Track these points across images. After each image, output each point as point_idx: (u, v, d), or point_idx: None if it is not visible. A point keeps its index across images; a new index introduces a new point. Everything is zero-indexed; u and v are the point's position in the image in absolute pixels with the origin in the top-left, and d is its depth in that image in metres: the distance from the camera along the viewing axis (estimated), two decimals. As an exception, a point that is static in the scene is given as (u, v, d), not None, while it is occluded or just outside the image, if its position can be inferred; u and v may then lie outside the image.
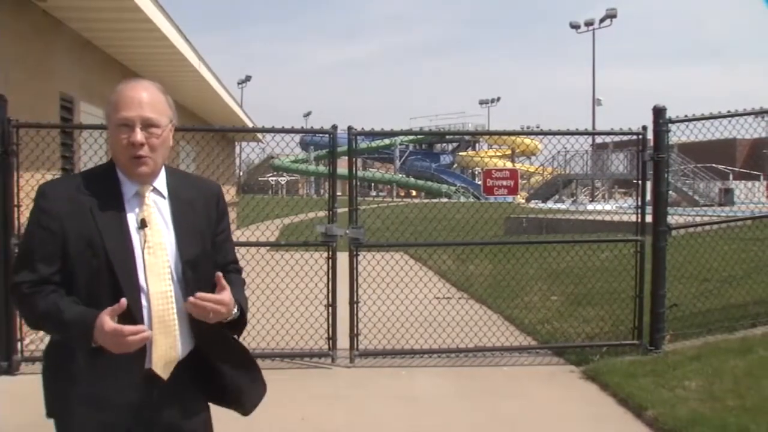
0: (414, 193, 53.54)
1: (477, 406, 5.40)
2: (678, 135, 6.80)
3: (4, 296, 5.91)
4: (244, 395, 2.37)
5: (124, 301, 2.04)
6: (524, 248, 9.03)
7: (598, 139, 40.45)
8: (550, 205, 27.79)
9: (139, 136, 2.16)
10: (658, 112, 6.52)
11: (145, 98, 2.19)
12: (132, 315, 2.09)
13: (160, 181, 2.27)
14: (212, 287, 2.20)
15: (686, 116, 6.65)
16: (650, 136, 6.60)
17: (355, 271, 6.52)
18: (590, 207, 24.52)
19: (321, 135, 6.77)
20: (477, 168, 52.32)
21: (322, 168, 46.81)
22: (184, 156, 13.84)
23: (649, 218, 6.63)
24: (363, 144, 49.62)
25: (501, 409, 5.34)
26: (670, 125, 6.52)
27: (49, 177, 6.86)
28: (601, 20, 46.68)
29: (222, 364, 2.30)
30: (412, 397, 5.61)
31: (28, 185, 6.28)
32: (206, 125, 16.81)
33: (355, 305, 6.49)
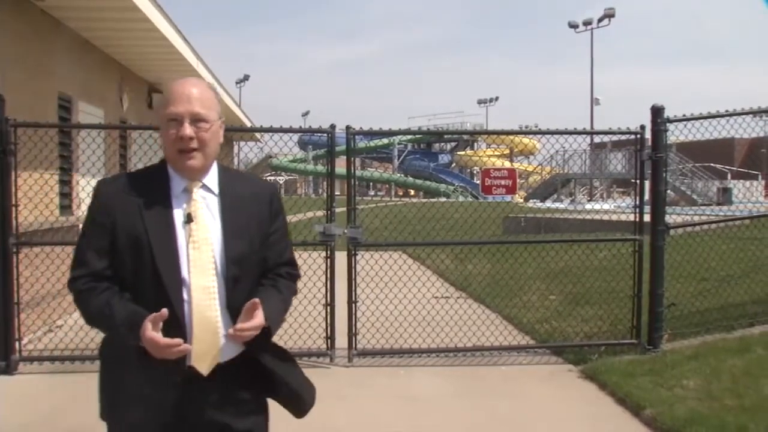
0: (412, 192, 53.52)
1: (475, 406, 5.40)
2: (676, 134, 6.81)
3: (2, 296, 5.91)
4: (298, 396, 2.41)
5: (165, 311, 2.06)
6: (522, 248, 9.04)
7: (597, 139, 40.44)
8: (548, 204, 27.80)
9: (188, 130, 2.18)
10: (656, 112, 6.52)
11: (195, 94, 2.22)
12: (173, 309, 2.11)
13: (211, 178, 2.29)
14: (254, 286, 2.26)
15: (684, 115, 6.65)
16: (648, 135, 6.59)
17: (353, 271, 6.51)
18: (588, 206, 24.53)
19: (319, 134, 6.76)
20: (475, 167, 52.30)
21: (320, 167, 46.82)
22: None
23: (647, 217, 6.63)
24: (361, 143, 49.85)
25: (499, 408, 5.34)
26: (668, 125, 6.52)
27: (47, 177, 6.88)
28: (600, 20, 46.69)
29: (270, 364, 2.29)
30: (411, 397, 5.60)
31: (26, 185, 6.29)
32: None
33: (353, 305, 6.49)
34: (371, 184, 58.09)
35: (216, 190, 2.28)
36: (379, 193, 55.75)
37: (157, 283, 2.13)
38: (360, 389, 5.77)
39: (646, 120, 6.58)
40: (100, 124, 8.56)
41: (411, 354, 6.55)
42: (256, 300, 2.16)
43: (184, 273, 2.15)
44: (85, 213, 2.27)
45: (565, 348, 6.68)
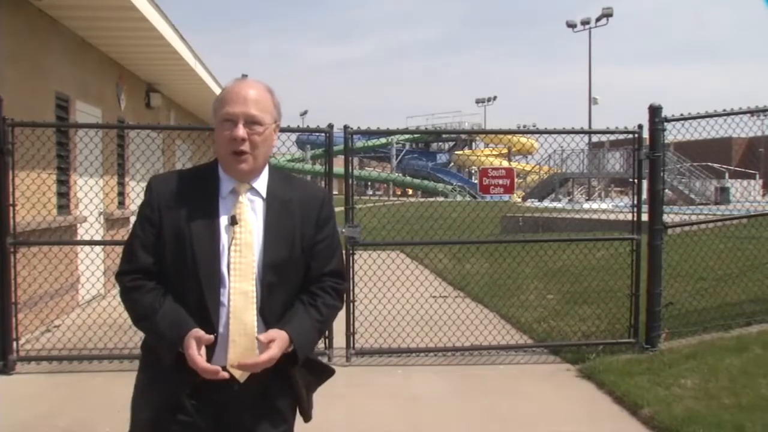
0: (410, 192, 53.50)
1: (473, 405, 5.40)
2: (674, 134, 6.80)
3: (0, 296, 5.91)
4: (311, 406, 2.42)
5: (212, 337, 2.07)
6: (520, 247, 9.05)
7: (594, 138, 40.46)
8: (546, 203, 27.78)
9: (241, 131, 2.16)
10: (654, 111, 6.53)
11: (251, 95, 2.20)
12: (209, 311, 2.11)
13: (261, 181, 2.26)
14: (292, 295, 2.24)
15: (682, 115, 6.65)
16: (646, 134, 6.60)
17: (351, 270, 6.51)
18: (586, 206, 24.51)
19: (317, 134, 6.76)
20: (473, 167, 52.27)
21: (318, 167, 46.74)
22: (180, 155, 13.84)
23: (645, 217, 6.63)
24: (359, 143, 49.89)
25: (497, 407, 5.34)
26: (665, 124, 6.52)
27: (45, 176, 6.87)
28: (597, 19, 46.66)
29: (298, 383, 2.30)
30: (409, 396, 5.61)
31: (23, 184, 6.28)
32: (202, 124, 16.79)
33: (351, 304, 6.49)
34: (369, 183, 58.08)
35: (264, 193, 2.24)
36: (377, 193, 55.74)
37: (196, 284, 2.12)
38: (358, 388, 5.77)
39: (644, 119, 6.60)
40: (98, 124, 8.56)
41: (409, 353, 6.56)
42: (272, 336, 2.10)
43: (224, 276, 2.13)
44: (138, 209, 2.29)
45: (563, 347, 6.68)
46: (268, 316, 2.17)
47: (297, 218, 2.24)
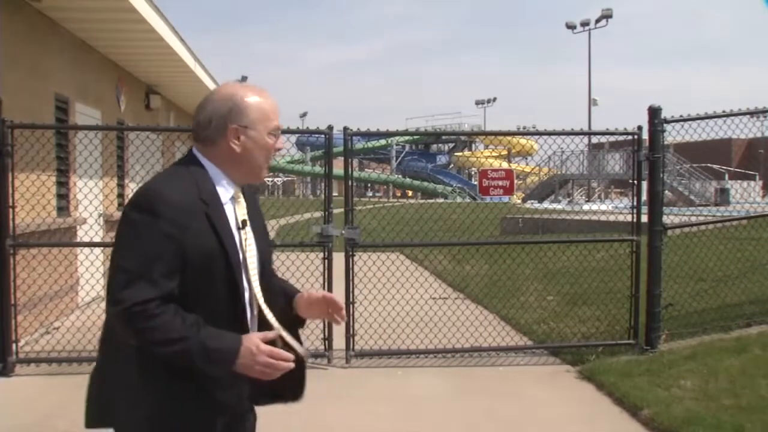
0: (410, 193, 53.50)
1: (473, 407, 5.40)
2: (673, 135, 6.80)
3: None
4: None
5: (278, 332, 2.12)
6: (520, 248, 9.05)
7: (594, 139, 40.43)
8: (546, 205, 27.79)
9: (281, 142, 2.28)
10: (654, 112, 6.53)
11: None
12: (245, 318, 2.14)
13: None
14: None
15: (681, 116, 6.66)
16: (646, 136, 6.60)
17: (351, 272, 6.51)
18: (586, 207, 24.53)
19: (317, 135, 6.76)
20: (473, 168, 52.28)
21: (318, 168, 46.76)
22: (180, 157, 13.82)
23: (644, 218, 6.64)
24: (359, 144, 49.87)
25: (497, 409, 5.34)
26: (665, 125, 6.53)
27: (44, 178, 6.88)
28: (597, 20, 46.71)
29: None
30: (409, 398, 5.60)
31: (23, 186, 6.28)
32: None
33: (351, 306, 6.49)
34: (369, 185, 58.09)
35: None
36: (376, 194, 55.76)
37: (232, 295, 2.12)
38: (357, 390, 5.77)
39: (644, 121, 6.60)
40: (98, 126, 8.56)
41: (409, 355, 6.55)
42: (329, 295, 2.35)
43: (250, 280, 2.18)
44: (137, 224, 2.01)
45: (563, 348, 6.68)
46: (271, 310, 2.23)
47: (260, 213, 2.35)
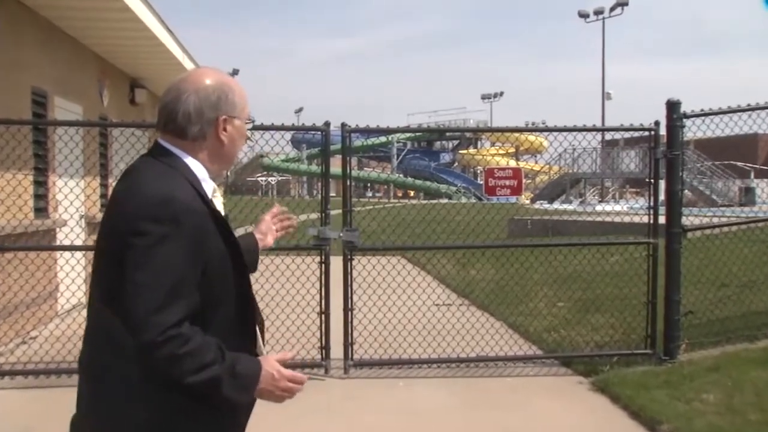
0: (412, 193, 53.52)
1: (479, 420, 5.39)
2: (693, 131, 6.79)
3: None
4: None
5: (294, 353, 2.15)
6: (529, 251, 9.01)
7: (608, 136, 40.41)
8: (556, 205, 27.79)
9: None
10: (672, 107, 6.52)
11: None
12: (249, 322, 2.15)
13: None
14: None
15: (702, 110, 6.65)
16: (663, 131, 6.59)
17: (349, 277, 6.50)
18: (599, 208, 24.53)
19: (313, 132, 6.76)
20: (479, 167, 52.32)
21: (314, 167, 46.79)
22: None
23: (662, 219, 6.63)
24: (358, 142, 49.82)
25: (505, 422, 5.33)
26: (684, 120, 6.51)
27: (20, 177, 6.86)
28: (612, 9, 46.73)
29: None
30: (411, 410, 5.59)
31: (-2, 185, 6.26)
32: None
33: (349, 312, 6.49)
34: (368, 184, 58.12)
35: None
36: (376, 194, 55.78)
37: (241, 298, 2.11)
38: (356, 402, 5.76)
39: (661, 115, 6.58)
40: (78, 121, 8.54)
41: (411, 365, 6.55)
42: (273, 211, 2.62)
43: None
44: (160, 237, 1.89)
45: (575, 358, 6.67)
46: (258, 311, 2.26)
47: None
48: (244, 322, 2.12)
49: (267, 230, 2.59)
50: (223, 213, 2.23)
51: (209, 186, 2.14)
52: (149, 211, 1.91)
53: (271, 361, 2.03)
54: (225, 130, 2.13)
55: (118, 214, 1.98)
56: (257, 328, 2.19)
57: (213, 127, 2.11)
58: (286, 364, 2.09)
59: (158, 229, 1.89)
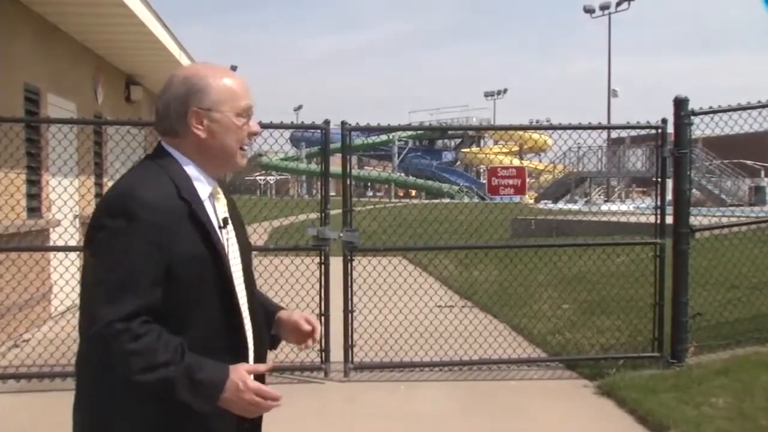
0: (413, 193, 53.55)
1: (482, 425, 5.38)
2: (702, 128, 6.77)
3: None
4: None
5: (270, 365, 2.13)
6: (533, 252, 9.02)
7: (614, 134, 40.39)
8: (560, 205, 27.78)
9: (257, 125, 2.20)
10: (680, 104, 6.50)
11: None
12: (242, 328, 2.11)
13: None
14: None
15: (711, 108, 6.62)
16: (671, 129, 6.57)
17: (349, 278, 6.50)
18: (605, 207, 24.52)
19: (313, 131, 6.76)
20: (481, 166, 52.33)
21: (313, 166, 46.83)
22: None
23: (669, 219, 6.62)
24: (358, 140, 49.72)
25: (508, 426, 5.32)
26: (692, 118, 6.49)
27: (13, 176, 6.85)
28: (618, 3, 46.71)
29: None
30: (412, 414, 5.59)
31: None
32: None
33: (349, 314, 6.48)
34: (369, 184, 58.16)
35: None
36: (377, 194, 55.80)
37: (225, 305, 2.07)
38: (357, 406, 5.75)
39: (669, 113, 6.56)
40: (72, 119, 8.53)
41: (412, 368, 6.54)
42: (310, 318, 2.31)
43: (237, 287, 2.13)
44: (113, 231, 1.93)
45: (580, 361, 6.66)
46: (256, 320, 2.20)
47: (240, 215, 2.32)
48: (232, 329, 2.08)
49: (285, 331, 2.35)
50: (221, 215, 2.14)
51: (204, 187, 2.12)
52: (109, 205, 1.98)
53: (240, 371, 1.98)
54: (201, 123, 2.09)
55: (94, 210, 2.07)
56: (253, 340, 2.15)
57: (185, 122, 2.09)
58: (262, 375, 2.14)
59: (113, 224, 1.93)
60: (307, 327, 2.29)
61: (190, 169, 2.11)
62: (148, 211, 1.93)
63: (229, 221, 2.18)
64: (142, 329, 1.88)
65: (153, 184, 2.00)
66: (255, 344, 2.17)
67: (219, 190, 2.19)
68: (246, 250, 2.25)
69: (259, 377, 2.14)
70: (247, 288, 2.19)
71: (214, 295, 2.04)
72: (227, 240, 2.14)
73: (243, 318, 2.12)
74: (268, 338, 2.30)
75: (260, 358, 2.21)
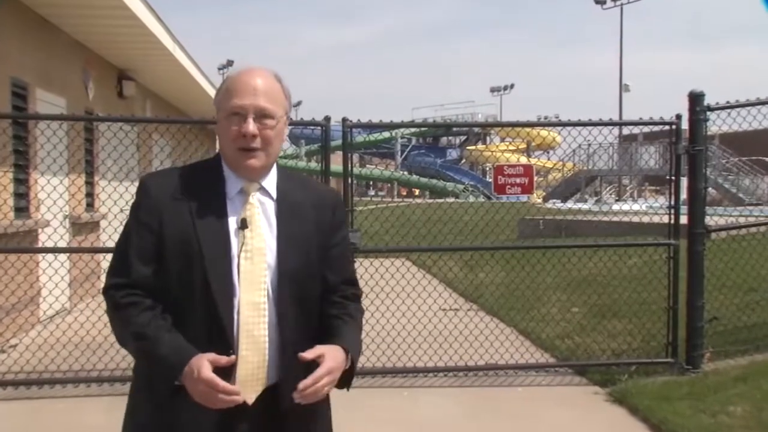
0: (417, 192, 53.57)
1: (488, 431, 5.34)
2: (718, 124, 6.75)
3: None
4: None
5: (232, 358, 2.09)
6: (541, 253, 9.01)
7: (626, 130, 40.42)
8: (570, 205, 27.77)
9: (252, 126, 2.19)
10: (695, 99, 6.48)
11: (261, 85, 2.21)
12: (222, 326, 2.13)
13: (270, 180, 2.29)
14: (316, 314, 2.28)
15: (728, 103, 6.61)
16: (685, 125, 6.56)
17: (350, 280, 6.48)
18: (616, 207, 24.51)
19: (312, 127, 6.75)
20: (487, 164, 52.33)
21: (313, 164, 46.81)
22: (157, 151, 13.82)
23: (684, 219, 6.60)
24: (360, 137, 49.87)
25: (517, 437, 5.30)
26: (708, 113, 6.48)
27: (-1, 174, 6.81)
28: (629, -6, 46.68)
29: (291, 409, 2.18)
30: (415, 422, 5.59)
31: (-25, 183, 6.24)
32: (182, 116, 16.78)
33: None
34: (371, 182, 58.19)
35: (274, 194, 2.28)
36: (379, 193, 55.83)
37: (206, 297, 2.14)
38: (357, 413, 5.71)
39: (683, 108, 6.55)
40: (62, 115, 8.51)
41: (416, 373, 6.54)
42: (320, 351, 2.13)
43: (235, 286, 2.16)
44: (129, 212, 2.25)
45: (590, 367, 6.65)
46: (284, 332, 2.19)
47: (310, 222, 2.29)
48: (211, 328, 2.13)
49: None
50: (240, 216, 2.19)
51: (234, 184, 2.23)
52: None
53: (201, 359, 2.03)
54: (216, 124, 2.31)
55: None
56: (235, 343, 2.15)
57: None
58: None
59: (131, 206, 2.26)
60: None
61: (225, 167, 2.26)
62: (141, 194, 2.22)
63: (251, 224, 2.18)
64: (124, 300, 2.15)
65: (164, 174, 2.32)
66: (245, 350, 2.15)
67: (254, 190, 2.23)
68: (284, 260, 2.21)
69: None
70: (277, 304, 2.18)
71: (196, 285, 2.13)
72: (241, 242, 2.16)
73: (232, 318, 2.14)
74: (301, 370, 2.15)
75: (286, 388, 2.15)
